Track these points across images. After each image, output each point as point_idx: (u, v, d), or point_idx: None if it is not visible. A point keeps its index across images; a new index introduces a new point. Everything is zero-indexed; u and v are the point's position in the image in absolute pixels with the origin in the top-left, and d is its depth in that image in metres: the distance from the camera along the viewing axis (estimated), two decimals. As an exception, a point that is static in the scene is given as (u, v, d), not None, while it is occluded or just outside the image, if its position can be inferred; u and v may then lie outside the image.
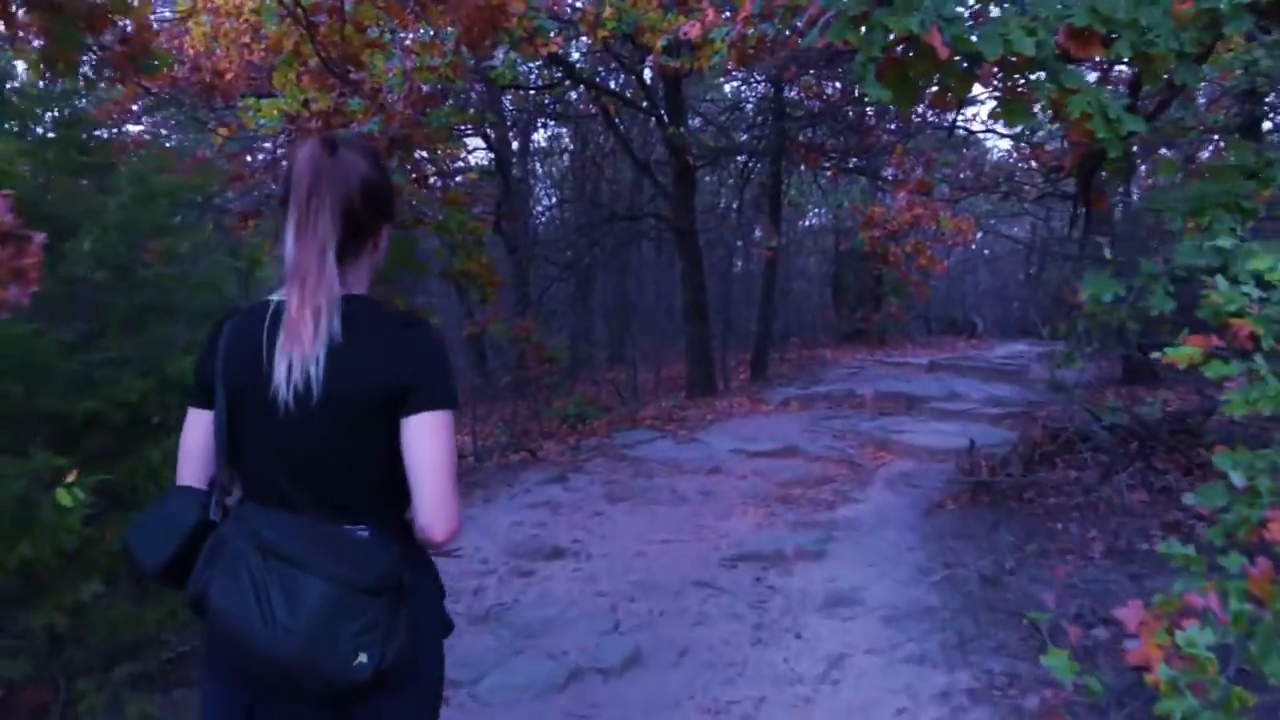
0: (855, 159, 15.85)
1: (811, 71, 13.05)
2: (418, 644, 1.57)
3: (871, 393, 11.64)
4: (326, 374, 1.55)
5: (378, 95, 7.69)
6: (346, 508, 1.62)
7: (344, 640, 1.45)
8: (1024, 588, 4.81)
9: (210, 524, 1.62)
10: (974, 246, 25.59)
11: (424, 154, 8.31)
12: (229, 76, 9.83)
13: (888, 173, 15.47)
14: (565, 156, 17.41)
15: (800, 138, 14.21)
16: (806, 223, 25.00)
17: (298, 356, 1.55)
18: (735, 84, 15.34)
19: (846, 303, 22.92)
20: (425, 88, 7.37)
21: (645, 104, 11.98)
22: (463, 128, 11.48)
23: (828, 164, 15.82)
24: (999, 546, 5.50)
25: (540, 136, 19.41)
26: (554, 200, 16.66)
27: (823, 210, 22.66)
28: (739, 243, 15.76)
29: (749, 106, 14.55)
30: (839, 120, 14.13)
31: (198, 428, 1.70)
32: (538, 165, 19.65)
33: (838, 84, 13.48)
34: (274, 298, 1.66)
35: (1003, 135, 17.60)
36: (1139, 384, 10.67)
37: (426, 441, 1.59)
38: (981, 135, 25.61)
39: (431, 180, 9.09)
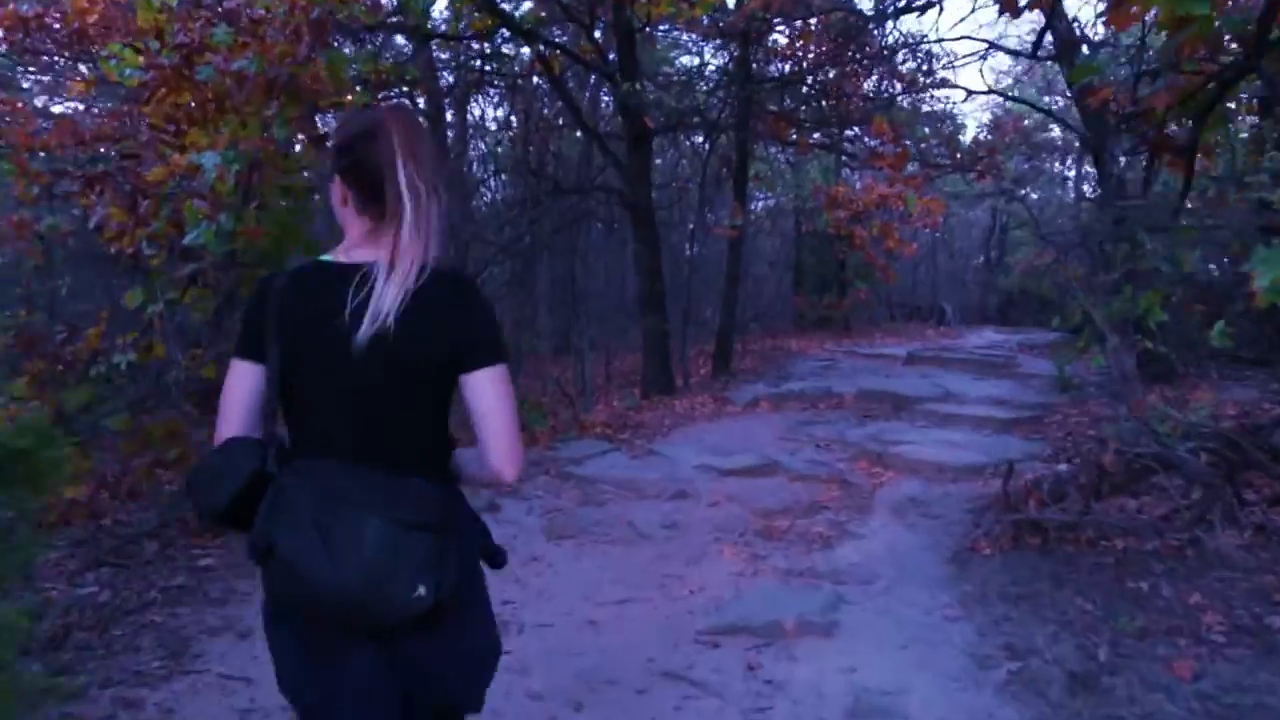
0: (830, 129, 14.44)
1: (783, 27, 11.61)
2: (470, 579, 1.77)
3: (852, 391, 10.24)
4: (406, 325, 1.63)
5: (259, 27, 6.10)
6: (399, 460, 1.69)
7: (404, 574, 1.55)
8: (1138, 695, 3.38)
9: (267, 474, 1.65)
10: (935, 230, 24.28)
11: (325, 107, 6.70)
12: (92, 19, 8.20)
13: (868, 142, 13.99)
14: (505, 122, 15.70)
15: (768, 105, 12.75)
16: (762, 203, 23.65)
17: (381, 317, 1.62)
18: (693, 55, 13.87)
19: (808, 288, 21.59)
20: (315, 13, 5.79)
21: (595, 60, 10.41)
22: (385, 89, 9.87)
23: (795, 135, 14.39)
24: (1074, 617, 4.09)
25: (484, 107, 17.79)
26: (490, 171, 14.93)
27: (780, 190, 21.23)
28: (707, 218, 14.19)
29: (711, 68, 13.02)
30: (811, 86, 12.68)
31: (245, 380, 1.73)
32: (481, 141, 18.02)
33: (810, 47, 12.03)
34: (329, 258, 1.74)
35: (1016, 100, 16.34)
36: (1159, 382, 9.39)
37: (492, 392, 1.71)
38: (958, 113, 24.37)
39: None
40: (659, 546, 5.61)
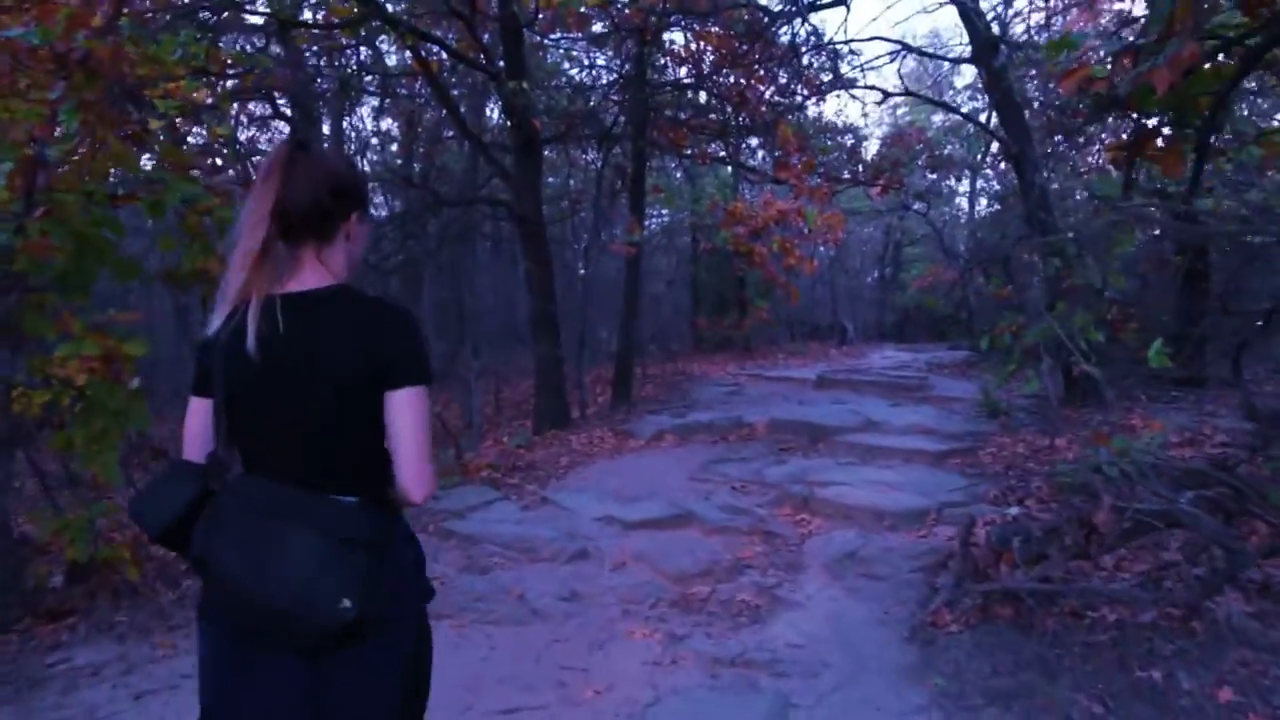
0: (731, 139, 13.63)
1: (682, 26, 10.77)
2: (398, 600, 1.79)
3: (764, 420, 9.39)
4: (307, 349, 1.73)
5: (49, -8, 4.93)
6: (333, 481, 1.76)
7: (330, 586, 1.62)
8: None
9: (209, 494, 1.76)
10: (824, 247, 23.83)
11: (142, 93, 5.52)
12: None
13: (770, 154, 13.24)
14: (384, 133, 14.53)
15: (666, 113, 11.88)
16: (656, 220, 22.92)
17: (227, 321, 1.76)
18: (586, 68, 12.95)
19: (707, 308, 20.86)
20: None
21: (477, 59, 9.38)
22: (230, 81, 8.66)
23: (690, 150, 13.55)
24: (1084, 728, 3.23)
25: (363, 116, 16.56)
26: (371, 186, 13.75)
27: (677, 205, 20.46)
28: (601, 235, 13.19)
29: (604, 69, 12.08)
30: (711, 91, 11.85)
31: (198, 412, 1.86)
32: (361, 155, 16.75)
33: (710, 49, 11.21)
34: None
35: (933, 102, 15.81)
36: (1086, 406, 8.79)
37: (405, 413, 1.75)
38: (858, 125, 23.96)
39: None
40: (556, 627, 4.60)
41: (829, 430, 8.67)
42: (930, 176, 20.25)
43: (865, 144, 16.86)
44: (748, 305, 19.87)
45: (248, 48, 10.26)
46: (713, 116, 11.97)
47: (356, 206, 1.88)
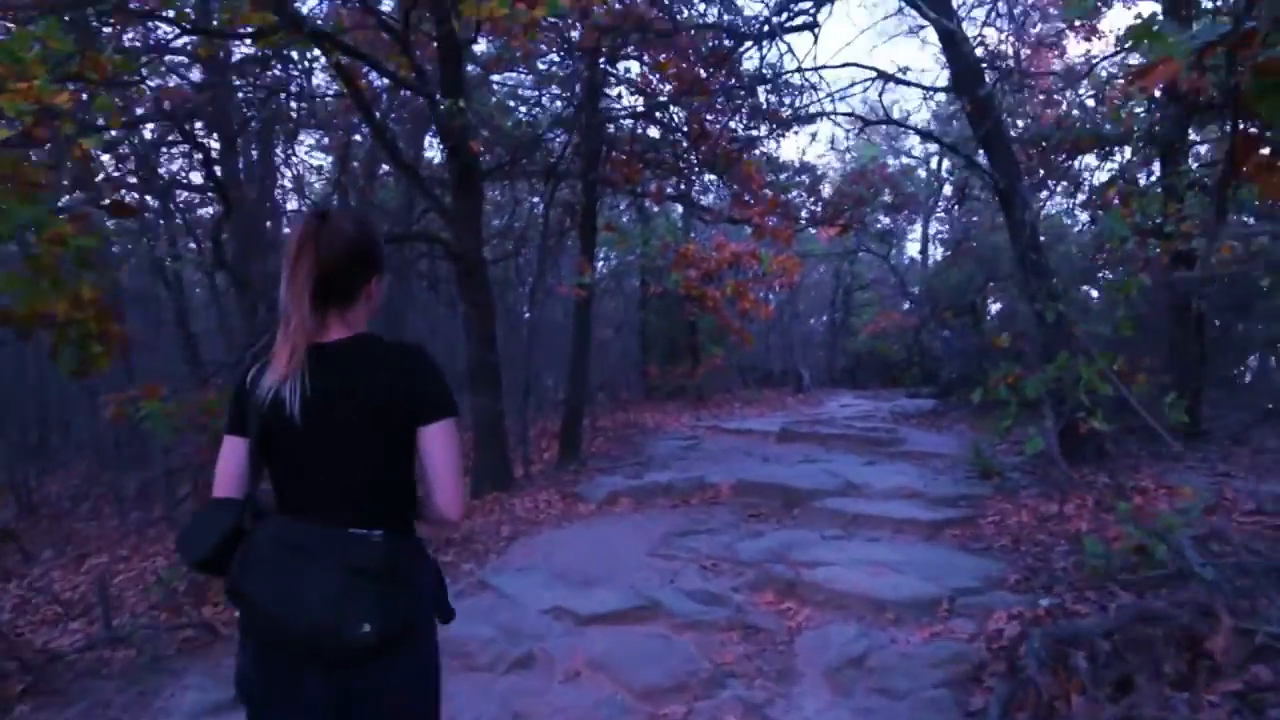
0: (685, 177, 12.80)
1: (638, 55, 9.93)
2: (414, 623, 1.97)
3: (729, 482, 8.45)
4: (331, 396, 1.94)
5: None
6: (365, 514, 1.95)
7: (352, 613, 1.82)
8: None
9: (243, 530, 1.95)
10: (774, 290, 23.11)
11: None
12: None
13: (726, 192, 12.39)
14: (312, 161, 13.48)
15: (619, 149, 10.99)
16: (603, 262, 22.08)
17: (282, 378, 1.92)
18: (533, 100, 12.04)
19: (657, 355, 19.93)
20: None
21: (412, 79, 8.40)
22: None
23: (648, 184, 12.70)
24: None
25: (297, 151, 15.46)
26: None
27: (629, 246, 19.58)
28: (547, 277, 12.20)
29: (554, 97, 11.15)
30: (669, 123, 11.01)
31: (233, 453, 2.05)
32: (294, 191, 15.67)
33: (668, 77, 10.37)
34: None
35: (920, 132, 15.09)
36: (1087, 464, 7.96)
37: (439, 444, 1.98)
38: (816, 164, 23.24)
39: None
40: (492, 773, 3.57)
41: (804, 494, 7.74)
42: (884, 221, 19.62)
43: (823, 183, 16.11)
44: (700, 352, 18.98)
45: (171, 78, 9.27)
46: (669, 151, 11.11)
47: (376, 270, 2.09)
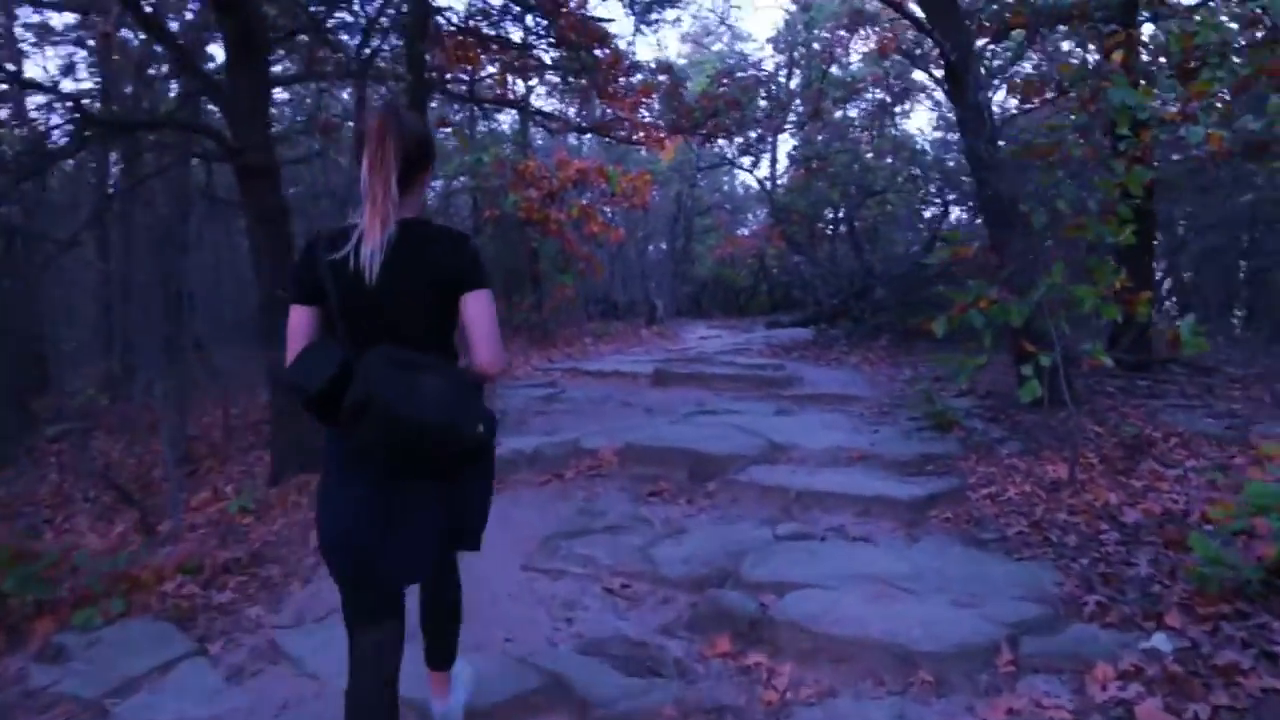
0: (525, 74, 10.57)
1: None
2: (493, 432, 2.39)
3: (614, 447, 6.48)
4: (399, 267, 2.28)
5: None
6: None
7: (470, 412, 2.20)
8: None
9: (350, 363, 2.19)
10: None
11: None
12: None
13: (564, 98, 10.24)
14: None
15: (450, 18, 8.66)
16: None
17: (371, 252, 2.25)
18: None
19: (495, 286, 17.67)
20: None
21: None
22: None
23: (474, 86, 10.40)
24: None
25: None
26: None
27: (454, 166, 17.28)
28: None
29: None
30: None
31: (300, 320, 2.35)
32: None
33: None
34: (353, 221, 2.33)
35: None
36: (1056, 406, 6.41)
37: (480, 308, 2.33)
38: (677, 61, 21.03)
39: None
40: None
41: (718, 462, 5.87)
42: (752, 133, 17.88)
43: (685, 85, 14.09)
44: (544, 282, 16.85)
45: None
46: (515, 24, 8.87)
47: (432, 161, 2.48)
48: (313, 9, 7.34)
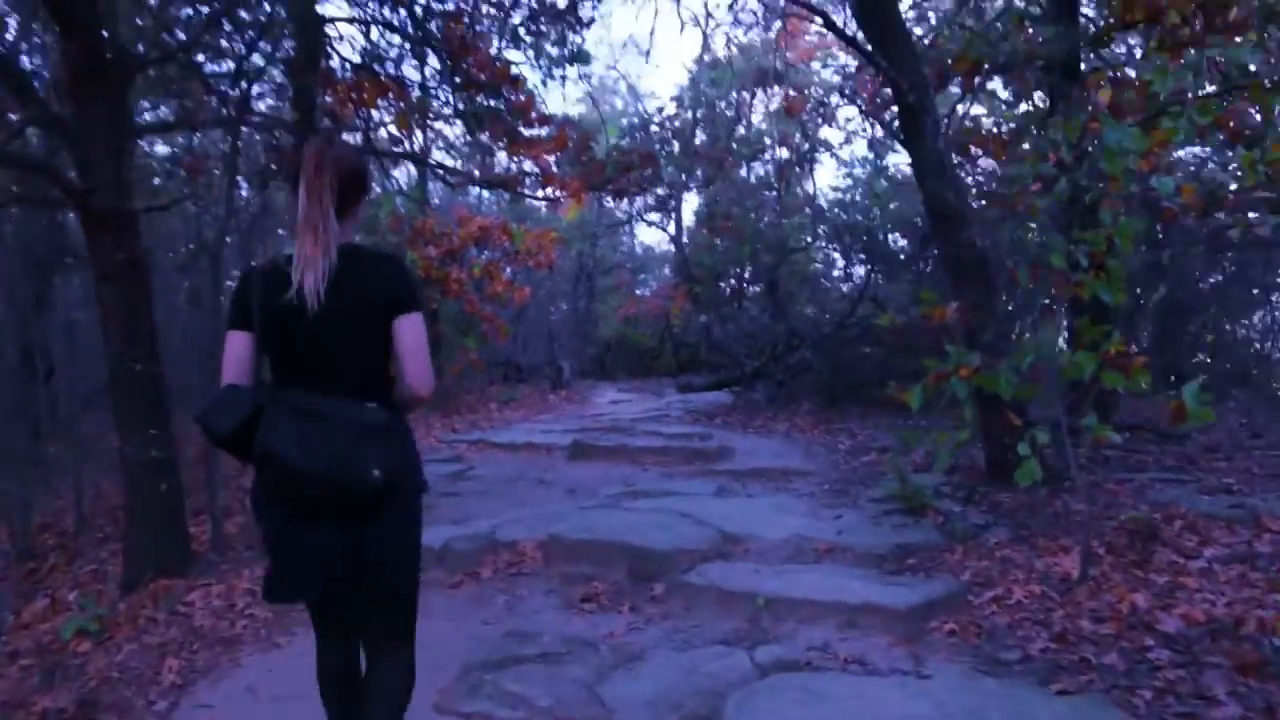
0: (423, 123, 9.71)
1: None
2: (410, 470, 2.46)
3: (537, 540, 5.58)
4: (338, 293, 2.32)
5: None
6: (355, 388, 2.37)
7: (361, 460, 2.24)
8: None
9: (261, 407, 2.29)
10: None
11: None
12: None
13: (461, 149, 9.36)
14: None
15: (343, 56, 7.75)
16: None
17: (315, 279, 2.29)
18: None
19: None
20: None
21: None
22: None
23: (370, 131, 9.49)
24: None
25: None
26: None
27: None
28: (226, 244, 8.57)
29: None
30: (415, 36, 7.88)
31: (238, 345, 2.42)
32: None
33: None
34: (288, 252, 2.37)
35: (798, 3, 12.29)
36: (1040, 483, 5.73)
37: (410, 332, 2.40)
38: (598, 112, 20.31)
39: None
40: None
41: (663, 559, 5.01)
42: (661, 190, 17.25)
43: (595, 139, 13.36)
44: (443, 344, 15.82)
45: None
46: (414, 65, 7.98)
47: (365, 190, 2.55)
48: (183, 37, 6.34)
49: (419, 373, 2.39)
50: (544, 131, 10.50)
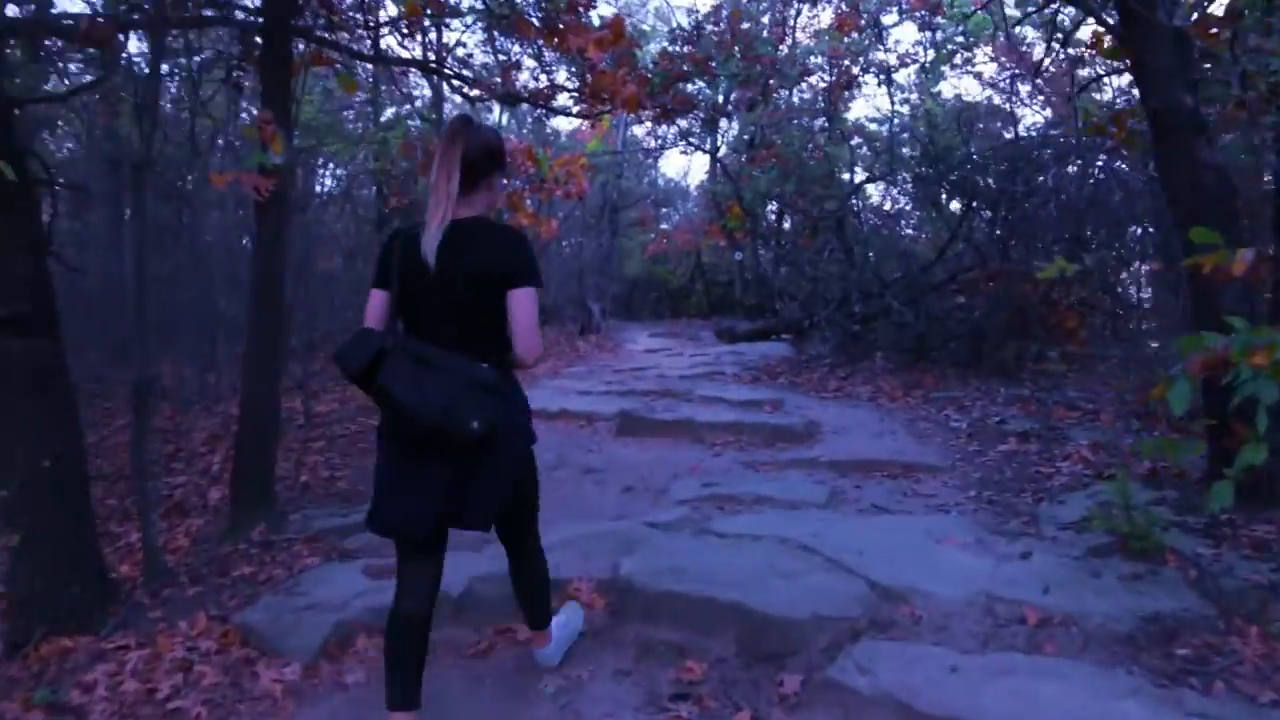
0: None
1: None
2: (510, 427, 2.63)
3: (595, 578, 3.94)
4: (456, 260, 2.58)
5: None
6: (469, 347, 2.59)
7: (462, 411, 2.45)
8: None
9: (386, 351, 2.55)
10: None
11: None
12: None
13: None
14: None
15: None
16: (324, 173, 16.78)
17: (432, 245, 2.56)
18: None
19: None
20: None
21: None
22: None
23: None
24: None
25: None
26: None
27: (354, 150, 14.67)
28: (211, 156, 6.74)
29: None
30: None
31: (375, 301, 2.70)
32: None
33: None
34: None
35: None
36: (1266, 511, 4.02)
37: (523, 304, 2.60)
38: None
39: None
40: None
41: (792, 631, 3.33)
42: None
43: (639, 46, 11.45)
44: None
45: None
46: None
47: (499, 167, 2.74)
48: None
49: (527, 344, 2.62)
50: (595, 18, 8.64)
